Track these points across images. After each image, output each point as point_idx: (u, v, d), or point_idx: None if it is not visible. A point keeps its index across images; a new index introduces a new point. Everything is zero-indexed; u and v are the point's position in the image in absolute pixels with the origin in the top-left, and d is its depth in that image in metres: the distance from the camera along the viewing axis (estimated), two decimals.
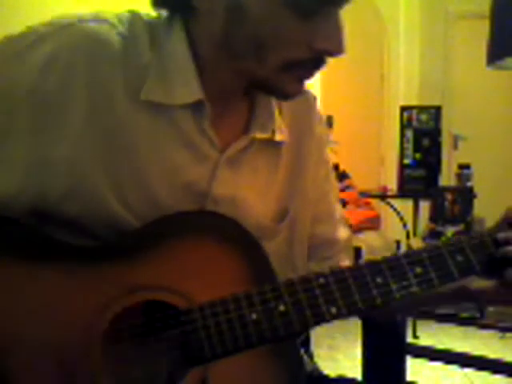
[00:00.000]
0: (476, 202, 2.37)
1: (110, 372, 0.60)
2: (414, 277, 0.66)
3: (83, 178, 0.65)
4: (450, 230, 2.15)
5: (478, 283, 0.71)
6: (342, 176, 3.55)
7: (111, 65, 0.66)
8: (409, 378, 1.38)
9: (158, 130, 0.67)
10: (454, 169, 2.76)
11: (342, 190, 3.38)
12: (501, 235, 0.69)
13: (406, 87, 4.54)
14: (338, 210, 0.90)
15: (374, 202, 3.66)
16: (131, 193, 0.66)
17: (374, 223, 3.26)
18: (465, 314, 1.88)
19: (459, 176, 2.57)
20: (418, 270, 0.66)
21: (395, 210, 3.52)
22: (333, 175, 0.91)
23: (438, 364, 2.27)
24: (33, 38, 0.65)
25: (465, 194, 2.28)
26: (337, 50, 0.65)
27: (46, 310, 0.61)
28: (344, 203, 3.12)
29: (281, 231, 0.78)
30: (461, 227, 2.15)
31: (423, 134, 3.53)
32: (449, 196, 2.27)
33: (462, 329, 2.98)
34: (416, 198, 3.48)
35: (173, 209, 0.67)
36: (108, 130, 0.65)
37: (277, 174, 0.78)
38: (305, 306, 0.63)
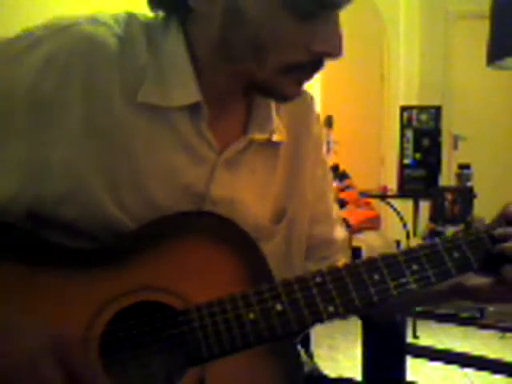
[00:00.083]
0: (476, 202, 2.38)
1: (108, 373, 0.60)
2: (410, 274, 0.66)
3: (80, 180, 0.65)
4: (449, 230, 2.16)
5: (474, 280, 0.70)
6: (342, 176, 3.55)
7: (108, 67, 0.66)
8: (409, 378, 1.38)
9: (156, 132, 0.67)
10: (454, 169, 2.77)
11: (342, 190, 3.38)
12: (497, 231, 0.69)
13: (406, 87, 4.54)
14: (336, 210, 0.90)
15: (374, 202, 3.66)
16: (128, 195, 0.66)
17: (374, 223, 3.26)
18: (465, 314, 1.89)
19: (459, 176, 2.57)
20: (415, 267, 0.66)
21: (395, 210, 3.52)
22: (330, 175, 0.91)
23: (438, 364, 2.27)
24: (30, 41, 0.65)
25: (465, 194, 2.29)
26: (335, 52, 0.65)
27: (43, 312, 0.61)
28: (344, 203, 3.12)
29: (279, 232, 0.78)
30: (461, 227, 2.15)
31: (423, 134, 3.53)
32: (449, 196, 2.27)
33: (461, 329, 2.98)
34: (416, 197, 3.48)
35: (170, 210, 0.67)
36: (105, 131, 0.65)
37: (275, 174, 0.78)
38: (302, 305, 0.63)
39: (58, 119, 0.64)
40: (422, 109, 3.60)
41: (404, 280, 0.65)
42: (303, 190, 0.82)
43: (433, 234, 2.19)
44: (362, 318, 1.02)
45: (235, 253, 0.66)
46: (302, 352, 0.92)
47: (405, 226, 3.42)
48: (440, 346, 2.68)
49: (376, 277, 0.65)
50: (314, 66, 0.67)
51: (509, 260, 0.67)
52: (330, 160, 3.10)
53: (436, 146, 3.53)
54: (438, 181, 3.52)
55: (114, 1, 1.57)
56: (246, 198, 0.74)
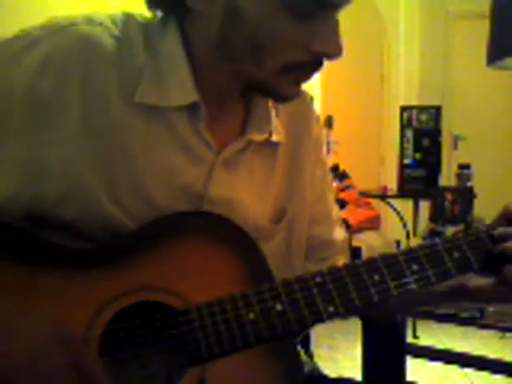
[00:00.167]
0: (476, 202, 2.37)
1: (108, 373, 0.60)
2: (411, 274, 0.66)
3: (78, 180, 0.64)
4: (449, 230, 2.16)
5: (475, 281, 0.70)
6: (342, 176, 3.55)
7: (105, 67, 0.66)
8: (409, 378, 1.38)
9: (153, 132, 0.67)
10: (454, 169, 2.77)
11: (342, 190, 3.38)
12: (498, 231, 0.69)
13: (406, 87, 4.54)
14: (335, 210, 0.90)
15: (374, 202, 3.66)
16: (126, 194, 0.66)
17: (374, 223, 3.26)
18: (465, 314, 1.89)
19: (459, 176, 2.57)
20: (415, 267, 0.66)
21: (395, 210, 3.52)
22: (330, 176, 0.91)
23: (438, 364, 2.27)
24: (28, 41, 0.65)
25: (465, 194, 2.29)
26: (334, 52, 0.65)
27: (43, 312, 0.61)
28: (344, 203, 3.12)
29: (278, 232, 0.78)
30: (461, 227, 2.15)
31: (423, 134, 3.53)
32: (449, 196, 2.27)
33: (462, 329, 2.98)
34: (416, 197, 3.48)
35: (169, 210, 0.67)
36: (102, 131, 0.65)
37: (273, 175, 0.78)
38: (302, 305, 0.63)
39: (56, 119, 0.64)
40: (421, 109, 3.60)
41: (404, 280, 0.65)
42: (303, 190, 0.82)
43: (433, 234, 2.19)
44: (361, 318, 1.02)
45: (235, 253, 0.66)
46: (302, 352, 0.92)
47: (405, 226, 3.42)
48: (440, 345, 2.68)
49: (376, 277, 0.65)
50: (314, 66, 0.67)
51: (509, 260, 0.67)
52: (330, 160, 3.10)
53: (436, 146, 3.54)
54: (438, 181, 3.52)
55: (114, 1, 1.57)
56: (245, 198, 0.73)
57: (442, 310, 2.01)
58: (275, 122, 0.77)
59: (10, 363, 0.54)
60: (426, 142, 3.53)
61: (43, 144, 0.64)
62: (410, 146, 3.54)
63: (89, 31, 0.66)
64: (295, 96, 0.70)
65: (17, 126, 0.64)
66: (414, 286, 0.65)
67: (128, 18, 0.70)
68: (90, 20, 0.67)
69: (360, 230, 2.98)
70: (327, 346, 2.95)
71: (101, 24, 0.67)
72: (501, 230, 0.69)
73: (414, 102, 4.17)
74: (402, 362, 1.22)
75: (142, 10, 0.71)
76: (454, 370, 2.52)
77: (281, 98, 0.71)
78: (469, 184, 2.50)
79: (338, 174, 3.49)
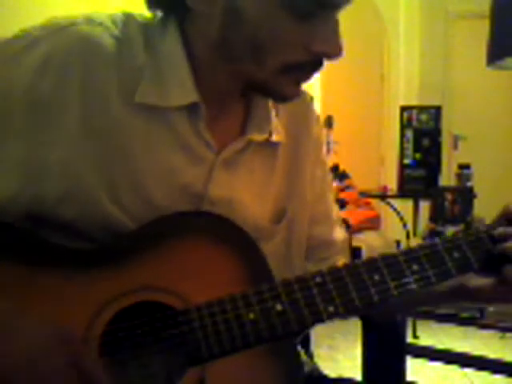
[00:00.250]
0: (476, 202, 2.37)
1: (108, 373, 0.60)
2: (411, 274, 0.66)
3: (78, 180, 0.64)
4: (449, 230, 2.16)
5: (476, 281, 0.70)
6: (342, 176, 3.55)
7: (105, 67, 0.66)
8: (409, 378, 1.38)
9: (153, 132, 0.67)
10: (454, 169, 2.77)
11: (342, 190, 3.38)
12: (497, 231, 0.69)
13: (406, 87, 4.54)
14: (335, 210, 0.90)
15: (374, 202, 3.66)
16: (126, 194, 0.66)
17: (374, 223, 3.26)
18: (465, 314, 1.89)
19: (459, 176, 2.57)
20: (415, 267, 0.66)
21: (395, 210, 3.52)
22: (330, 176, 0.91)
23: (438, 364, 2.27)
24: (28, 41, 0.65)
25: (465, 194, 2.29)
26: (334, 52, 0.65)
27: (43, 313, 0.61)
28: (344, 203, 3.12)
29: (278, 232, 0.78)
30: (461, 227, 2.15)
31: (423, 133, 3.53)
32: (449, 196, 2.27)
33: (462, 329, 2.98)
34: (416, 197, 3.48)
35: (169, 210, 0.66)
36: (102, 131, 0.65)
37: (273, 175, 0.78)
38: (302, 305, 0.63)
39: (56, 119, 0.64)
40: (421, 109, 3.60)
41: (404, 280, 0.65)
42: (303, 190, 0.82)
43: (433, 233, 2.19)
44: (361, 318, 1.02)
45: (235, 252, 0.66)
46: (302, 352, 0.92)
47: (405, 226, 3.42)
48: (440, 345, 2.68)
49: (376, 277, 0.65)
50: (314, 66, 0.67)
51: (509, 260, 0.67)
52: (330, 160, 3.10)
53: (436, 146, 3.54)
54: (438, 181, 3.52)
55: (114, 1, 1.57)
56: (245, 198, 0.73)
57: (442, 310, 2.01)
58: (275, 121, 0.77)
59: (10, 363, 0.54)
60: (426, 142, 3.53)
61: (43, 144, 0.64)
62: (410, 146, 3.54)
63: (89, 31, 0.66)
64: (295, 96, 0.70)
65: (17, 126, 0.64)
66: (414, 286, 0.65)
67: (128, 18, 0.70)
68: (89, 20, 0.67)
69: (360, 229, 2.98)
70: (327, 345, 2.95)
71: (101, 24, 0.67)
72: (501, 229, 0.69)
73: (414, 102, 4.17)
74: (402, 361, 1.22)
75: (142, 10, 0.71)
76: (453, 369, 2.52)
77: (281, 98, 0.71)
78: (469, 184, 2.50)
79: (338, 174, 3.49)
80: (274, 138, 0.76)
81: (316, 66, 0.67)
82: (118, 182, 0.66)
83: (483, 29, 1.95)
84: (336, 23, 0.65)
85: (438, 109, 3.56)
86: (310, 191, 0.83)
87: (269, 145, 0.76)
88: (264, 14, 0.62)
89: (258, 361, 0.64)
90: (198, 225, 0.67)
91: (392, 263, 0.66)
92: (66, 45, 0.65)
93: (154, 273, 0.64)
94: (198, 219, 0.68)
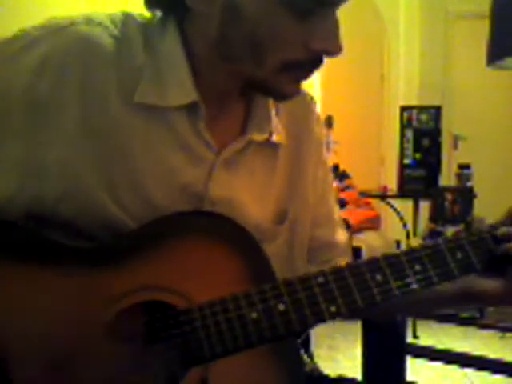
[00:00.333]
0: (476, 202, 2.37)
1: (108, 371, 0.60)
2: (413, 274, 0.66)
3: (78, 180, 0.64)
4: (450, 230, 2.15)
5: (481, 284, 0.70)
6: (342, 176, 3.55)
7: (104, 67, 0.65)
8: (409, 378, 1.38)
9: (153, 132, 0.67)
10: (454, 169, 2.76)
11: (342, 190, 3.38)
12: (501, 231, 0.69)
13: (406, 87, 4.54)
14: (337, 211, 0.90)
15: (374, 202, 3.66)
16: (126, 194, 0.66)
17: (374, 223, 3.26)
18: (465, 314, 1.88)
19: (459, 176, 2.57)
20: (418, 267, 0.66)
21: (395, 210, 3.52)
22: (331, 177, 0.90)
23: (438, 364, 2.27)
24: (26, 41, 0.65)
25: (465, 194, 2.28)
26: (334, 50, 0.64)
27: (45, 311, 0.61)
28: (344, 203, 3.12)
29: (281, 233, 0.78)
30: (461, 227, 2.15)
31: (423, 133, 3.53)
32: (449, 196, 2.27)
33: (462, 329, 2.98)
34: (416, 197, 3.48)
35: (169, 210, 0.66)
36: (101, 131, 0.65)
37: (274, 175, 0.78)
38: (304, 304, 0.63)
39: (55, 119, 0.64)
40: (421, 109, 3.60)
41: (407, 280, 0.65)
42: (305, 191, 0.82)
43: (433, 233, 2.19)
44: (361, 318, 1.02)
45: (237, 252, 0.66)
46: (302, 352, 0.92)
47: (405, 226, 3.42)
48: (440, 346, 2.68)
49: (378, 277, 0.65)
50: (313, 63, 0.67)
51: None
52: (330, 160, 3.10)
53: (436, 146, 3.54)
54: (438, 181, 3.52)
55: (114, 1, 1.57)
56: (245, 199, 0.73)
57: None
58: (275, 122, 0.76)
59: None
60: (426, 141, 3.53)
61: (41, 144, 0.64)
62: (410, 146, 3.54)
63: (88, 31, 0.66)
64: (295, 94, 0.70)
65: (15, 126, 0.64)
66: (416, 286, 0.65)
67: (127, 18, 0.70)
68: (89, 20, 0.67)
69: (360, 229, 2.98)
70: (327, 345, 2.95)
71: (100, 24, 0.67)
72: (504, 229, 0.69)
73: (414, 102, 4.17)
74: (402, 361, 1.22)
75: (142, 10, 0.71)
76: (453, 370, 2.52)
77: (281, 96, 0.70)
78: (469, 184, 2.50)
79: (338, 174, 3.50)
80: (275, 138, 0.76)
81: (315, 63, 0.67)
82: (118, 181, 0.66)
83: (483, 29, 1.95)
84: (335, 21, 0.64)
85: (438, 109, 3.56)
86: (311, 192, 0.83)
87: (269, 145, 0.76)
88: (263, 11, 0.62)
89: (260, 360, 0.64)
90: (200, 224, 0.67)
91: (394, 263, 0.66)
92: (64, 45, 0.65)
93: (156, 272, 0.64)
94: (199, 219, 0.68)
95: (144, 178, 0.67)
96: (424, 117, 3.54)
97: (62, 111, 0.64)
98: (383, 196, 3.62)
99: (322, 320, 0.64)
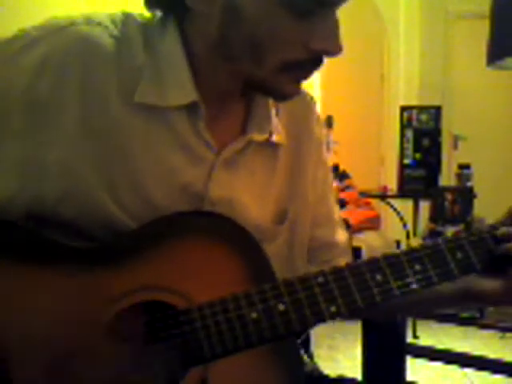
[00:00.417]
0: (476, 202, 2.37)
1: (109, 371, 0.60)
2: (413, 274, 0.66)
3: (78, 180, 0.64)
4: (450, 230, 2.15)
5: (481, 284, 0.70)
6: (342, 176, 3.55)
7: (104, 67, 0.65)
8: (409, 378, 1.38)
9: (153, 132, 0.67)
10: (454, 169, 2.76)
11: (342, 190, 3.38)
12: (501, 231, 0.69)
13: (406, 87, 4.54)
14: (337, 212, 0.90)
15: (374, 202, 3.66)
16: (126, 194, 0.66)
17: (374, 223, 3.26)
18: (465, 314, 1.88)
19: (459, 176, 2.57)
20: (418, 267, 0.66)
21: (395, 210, 3.52)
22: (331, 177, 0.90)
23: (438, 364, 2.27)
24: (26, 41, 0.65)
25: (465, 194, 2.29)
26: (334, 50, 0.64)
27: (45, 311, 0.61)
28: (344, 203, 3.12)
29: (281, 233, 0.78)
30: (461, 227, 2.15)
31: (423, 133, 3.53)
32: (449, 196, 2.27)
33: (462, 329, 2.98)
34: (416, 197, 3.48)
35: (169, 210, 0.66)
36: (101, 132, 0.65)
37: (274, 175, 0.78)
38: (304, 304, 0.63)
39: (54, 119, 0.64)
40: (421, 109, 3.60)
41: (407, 280, 0.65)
42: (305, 191, 0.82)
43: (433, 233, 2.19)
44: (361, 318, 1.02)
45: (237, 252, 0.66)
46: (302, 352, 0.92)
47: (405, 226, 3.42)
48: (440, 346, 2.68)
49: (378, 277, 0.65)
50: (313, 63, 0.67)
51: None
52: (330, 160, 3.10)
53: (436, 146, 3.54)
54: (438, 181, 3.52)
55: (114, 1, 1.57)
56: (246, 199, 0.73)
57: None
58: (275, 122, 0.76)
59: None
60: (426, 141, 3.53)
61: (41, 144, 0.64)
62: (410, 146, 3.54)
63: (88, 31, 0.66)
64: (295, 94, 0.70)
65: (15, 127, 0.64)
66: (416, 286, 0.65)
67: (127, 18, 0.70)
68: (88, 20, 0.67)
69: (360, 229, 2.98)
70: (327, 345, 2.95)
71: (100, 24, 0.67)
72: (504, 229, 0.69)
73: (413, 102, 4.17)
74: (402, 361, 1.22)
75: (142, 10, 0.71)
76: (453, 370, 2.52)
77: (281, 96, 0.70)
78: (469, 184, 2.50)
79: (338, 174, 3.50)
80: (275, 138, 0.76)
81: (315, 63, 0.67)
82: (118, 181, 0.66)
83: (483, 29, 1.94)
84: (335, 20, 0.64)
85: (438, 109, 3.56)
86: (311, 192, 0.83)
87: (269, 145, 0.76)
88: (263, 12, 0.62)
89: (260, 360, 0.64)
90: (200, 224, 0.67)
91: (394, 263, 0.66)
92: (64, 45, 0.65)
93: (156, 272, 0.64)
94: (199, 219, 0.68)
95: (144, 178, 0.67)
96: (424, 117, 3.54)
97: (62, 111, 0.64)
98: (383, 196, 3.62)
99: (322, 320, 0.64)
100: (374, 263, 0.66)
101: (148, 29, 0.69)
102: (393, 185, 3.71)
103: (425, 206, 3.19)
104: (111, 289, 0.62)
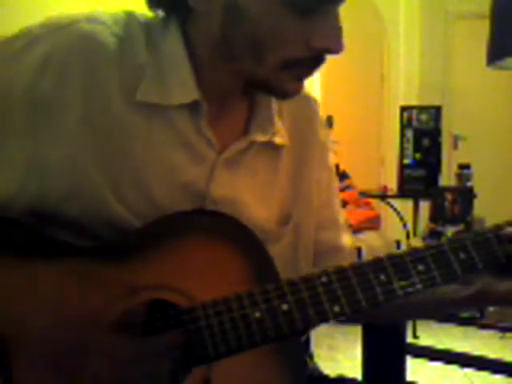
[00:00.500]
0: (476, 202, 2.37)
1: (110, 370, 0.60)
2: (416, 274, 0.65)
3: (81, 178, 0.64)
4: (449, 230, 2.16)
5: (498, 286, 0.69)
6: (342, 176, 3.55)
7: (107, 65, 0.65)
8: (409, 378, 1.38)
9: (155, 131, 0.67)
10: (454, 169, 2.76)
11: (342, 190, 3.38)
12: (505, 231, 0.68)
13: (406, 87, 4.54)
14: (342, 215, 0.89)
15: (374, 202, 3.66)
16: (129, 192, 0.66)
17: (374, 223, 3.26)
18: (465, 314, 1.88)
19: (459, 176, 2.57)
20: (421, 267, 0.66)
21: (395, 210, 3.52)
22: (336, 180, 0.89)
23: (438, 364, 2.27)
24: (28, 39, 0.65)
25: (465, 194, 2.29)
26: (335, 48, 0.64)
27: (47, 309, 0.61)
28: (344, 203, 3.12)
29: (285, 235, 0.77)
30: (461, 227, 2.15)
31: (423, 133, 3.53)
32: (449, 196, 2.27)
33: (462, 329, 2.98)
34: (416, 197, 3.48)
35: (171, 208, 0.66)
36: (104, 130, 0.65)
37: (276, 177, 0.77)
38: (308, 304, 0.63)
39: (57, 118, 0.64)
40: (421, 109, 3.60)
41: (410, 280, 0.65)
42: (309, 194, 0.81)
43: (433, 234, 2.19)
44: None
45: (240, 251, 0.66)
46: None
47: (405, 226, 3.42)
48: (440, 346, 2.68)
49: (382, 277, 0.65)
50: (315, 62, 0.67)
51: None
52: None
53: (436, 146, 3.54)
54: (438, 181, 3.52)
55: (114, 1, 1.57)
56: (248, 199, 0.73)
57: None
58: (278, 124, 0.76)
59: None
60: (426, 142, 3.53)
61: (44, 143, 0.64)
62: (410, 146, 3.54)
63: (90, 29, 0.66)
64: (297, 92, 0.70)
65: (17, 126, 0.64)
66: (419, 286, 0.65)
67: (129, 17, 0.70)
68: (91, 18, 0.67)
69: (360, 229, 2.98)
70: (327, 345, 2.96)
71: (102, 22, 0.67)
72: (510, 229, 0.69)
73: (413, 102, 4.18)
74: (402, 361, 1.22)
75: (143, 10, 0.71)
76: (453, 370, 2.52)
77: (282, 94, 0.70)
78: (469, 184, 2.50)
79: (338, 174, 3.50)
80: (277, 140, 0.76)
81: (317, 61, 0.67)
82: (121, 180, 0.66)
83: (483, 29, 1.94)
84: (337, 19, 0.64)
85: (438, 109, 3.56)
86: (316, 196, 0.82)
87: (272, 146, 0.76)
88: (264, 10, 0.62)
89: (263, 360, 0.64)
90: (203, 223, 0.67)
91: (398, 263, 0.66)
92: (66, 43, 0.65)
93: (160, 271, 0.64)
94: (202, 218, 0.68)
95: (146, 177, 0.67)
96: (424, 117, 3.54)
97: (65, 110, 0.64)
98: (383, 196, 3.62)
99: (326, 320, 0.63)
100: (377, 263, 0.66)
101: (150, 28, 0.69)
102: (393, 185, 3.71)
103: (425, 206, 3.19)
104: (114, 287, 0.62)
